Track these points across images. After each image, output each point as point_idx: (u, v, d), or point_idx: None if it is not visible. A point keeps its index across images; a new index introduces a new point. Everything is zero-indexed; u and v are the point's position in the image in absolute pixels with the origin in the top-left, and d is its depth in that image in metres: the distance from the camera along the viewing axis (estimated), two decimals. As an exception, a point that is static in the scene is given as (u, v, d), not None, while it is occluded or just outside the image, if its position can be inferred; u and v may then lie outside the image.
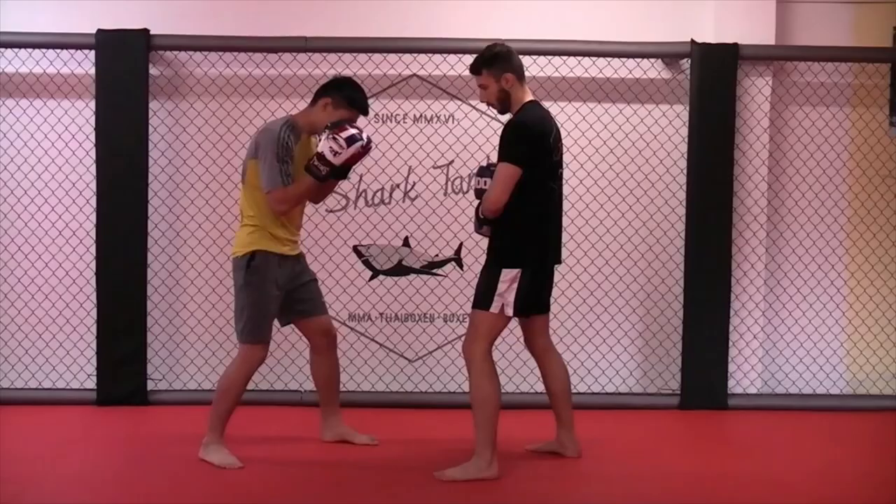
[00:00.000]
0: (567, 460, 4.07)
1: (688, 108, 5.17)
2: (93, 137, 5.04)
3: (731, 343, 5.16)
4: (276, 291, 3.95)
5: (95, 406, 4.95)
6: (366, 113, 4.04)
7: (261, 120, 5.17)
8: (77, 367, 5.17)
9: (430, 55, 5.12)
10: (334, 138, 3.74)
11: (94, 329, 5.05)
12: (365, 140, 3.78)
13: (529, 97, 3.91)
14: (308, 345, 4.33)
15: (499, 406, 3.80)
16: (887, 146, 5.40)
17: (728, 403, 5.10)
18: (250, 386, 5.15)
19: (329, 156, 3.74)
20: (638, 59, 5.18)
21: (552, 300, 4.30)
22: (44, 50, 5.06)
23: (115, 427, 4.61)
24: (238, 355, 4.00)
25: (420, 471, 3.87)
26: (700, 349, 5.09)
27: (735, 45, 5.05)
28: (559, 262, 4.04)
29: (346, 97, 3.94)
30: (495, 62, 3.86)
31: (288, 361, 5.19)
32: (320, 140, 3.84)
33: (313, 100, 4.02)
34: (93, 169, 5.04)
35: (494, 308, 3.79)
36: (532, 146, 3.76)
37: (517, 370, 5.17)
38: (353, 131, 3.77)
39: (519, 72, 3.89)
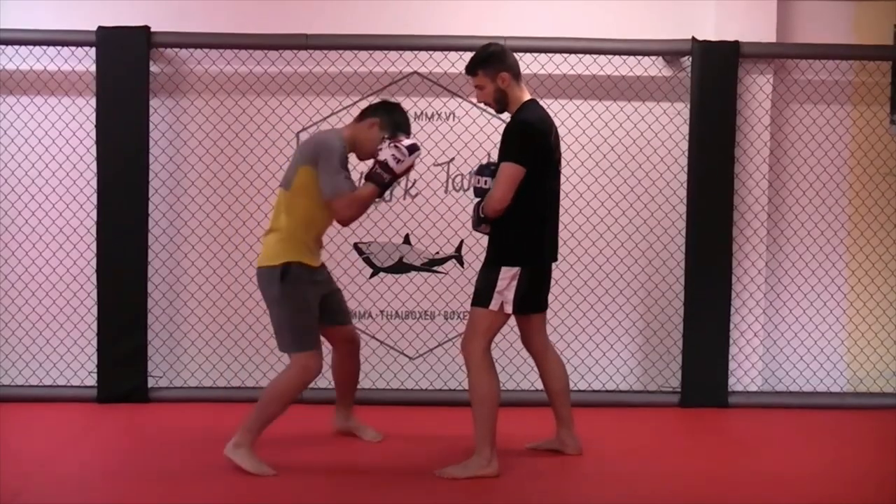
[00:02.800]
0: (567, 458, 4.07)
1: (689, 105, 5.17)
2: (93, 135, 5.04)
3: (731, 341, 5.16)
4: (314, 297, 3.94)
5: (96, 403, 4.95)
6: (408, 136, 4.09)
7: (262, 117, 5.18)
8: (78, 365, 5.18)
9: (430, 52, 5.12)
10: (396, 147, 3.85)
11: (94, 326, 5.06)
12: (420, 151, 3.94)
13: (528, 96, 3.91)
14: (330, 349, 4.31)
15: (498, 403, 3.80)
16: (888, 144, 5.40)
17: (728, 401, 5.10)
18: (250, 383, 5.20)
19: (392, 163, 3.83)
20: (639, 57, 5.18)
21: (553, 298, 4.31)
22: (45, 47, 5.05)
23: (116, 424, 4.62)
24: (293, 365, 3.87)
25: (421, 468, 3.88)
26: (700, 347, 5.09)
27: (736, 42, 5.05)
28: (556, 259, 4.05)
29: (394, 122, 4.00)
30: (490, 62, 3.86)
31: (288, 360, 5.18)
32: (379, 150, 3.89)
33: (359, 117, 4.06)
34: (93, 166, 5.05)
35: (494, 305, 3.79)
36: (534, 145, 3.76)
37: (517, 367, 5.18)
38: (413, 141, 3.92)
39: (515, 70, 3.89)
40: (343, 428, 4.37)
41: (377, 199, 4.06)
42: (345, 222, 3.94)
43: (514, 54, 5.08)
